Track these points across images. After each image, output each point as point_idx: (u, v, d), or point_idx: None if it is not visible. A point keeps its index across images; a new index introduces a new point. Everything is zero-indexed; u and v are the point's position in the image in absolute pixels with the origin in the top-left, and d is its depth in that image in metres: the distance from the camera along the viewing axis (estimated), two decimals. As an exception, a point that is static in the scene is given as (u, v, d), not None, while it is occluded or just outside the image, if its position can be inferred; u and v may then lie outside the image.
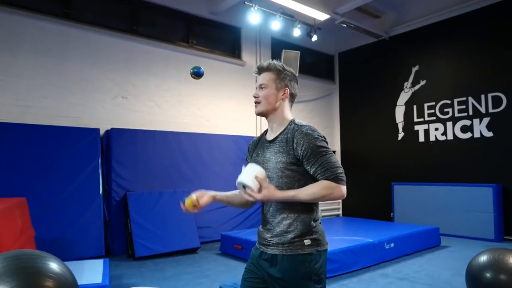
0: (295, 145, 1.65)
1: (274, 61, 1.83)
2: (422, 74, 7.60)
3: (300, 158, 1.64)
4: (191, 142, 6.37)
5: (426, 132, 7.48)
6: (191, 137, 6.40)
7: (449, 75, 7.17)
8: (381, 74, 8.30)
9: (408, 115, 7.81)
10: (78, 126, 5.38)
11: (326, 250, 1.70)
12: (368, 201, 8.27)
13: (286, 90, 1.80)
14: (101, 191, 5.20)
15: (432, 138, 7.39)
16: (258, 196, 1.56)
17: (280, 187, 1.65)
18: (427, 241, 5.55)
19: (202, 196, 1.75)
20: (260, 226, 1.80)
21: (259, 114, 1.81)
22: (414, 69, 7.74)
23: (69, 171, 5.03)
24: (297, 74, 6.44)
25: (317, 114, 8.93)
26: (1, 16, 4.95)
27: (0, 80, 4.94)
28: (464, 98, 6.93)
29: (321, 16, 6.87)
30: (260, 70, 1.82)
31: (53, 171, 4.92)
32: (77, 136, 5.21)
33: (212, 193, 1.79)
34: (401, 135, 7.92)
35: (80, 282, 2.91)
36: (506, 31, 6.37)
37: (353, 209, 8.50)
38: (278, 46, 8.06)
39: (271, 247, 1.66)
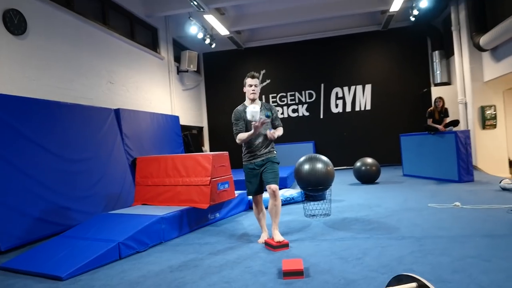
0: (272, 110, 3.61)
1: (257, 73, 3.55)
2: (268, 75, 11.96)
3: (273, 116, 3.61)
4: (151, 118, 8.17)
5: (271, 112, 11.95)
6: (149, 115, 8.18)
7: (285, 78, 11.84)
8: (238, 72, 12.07)
9: (258, 101, 12.01)
10: (93, 105, 6.48)
11: None
12: (238, 157, 11.98)
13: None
14: (126, 158, 6.66)
15: (275, 116, 11.93)
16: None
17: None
18: (297, 172, 9.98)
19: None
20: (253, 153, 3.61)
21: (255, 99, 3.52)
22: (262, 72, 11.99)
23: (106, 144, 6.25)
24: (195, 69, 9.80)
25: (192, 100, 11.74)
26: (41, 10, 5.58)
27: (45, 63, 5.61)
28: (293, 92, 11.80)
29: (224, 31, 9.97)
30: (254, 76, 3.52)
31: (95, 144, 6.06)
32: (100, 114, 6.39)
33: None
34: (254, 114, 12.05)
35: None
36: (311, 55, 11.54)
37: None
38: (175, 46, 10.43)
39: (262, 157, 3.59)
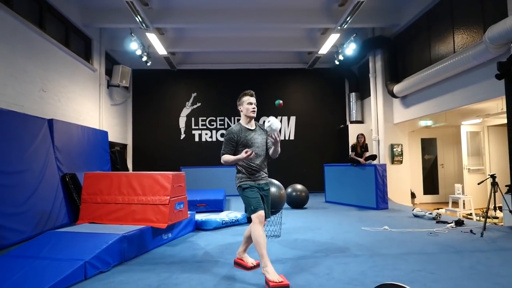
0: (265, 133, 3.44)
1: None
2: (198, 98, 12.12)
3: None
4: (82, 132, 7.69)
5: (200, 135, 12.07)
6: (80, 128, 7.69)
7: (215, 102, 12.12)
8: (168, 92, 12.04)
9: (188, 123, 12.06)
10: (24, 112, 5.94)
11: None
12: (161, 181, 11.71)
13: None
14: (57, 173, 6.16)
15: (203, 140, 12.06)
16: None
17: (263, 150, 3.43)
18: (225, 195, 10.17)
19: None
20: (253, 176, 3.38)
21: (254, 117, 3.38)
22: (193, 94, 12.12)
23: (39, 156, 5.74)
24: (127, 85, 9.75)
25: (119, 116, 11.27)
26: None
27: (-22, 63, 5.06)
28: (223, 117, 12.12)
29: (162, 51, 9.95)
30: (253, 95, 3.41)
31: (28, 156, 5.54)
32: (34, 123, 5.88)
33: None
34: (183, 136, 12.04)
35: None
36: (242, 83, 12.07)
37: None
38: (107, 59, 10.06)
39: (265, 179, 3.46)
